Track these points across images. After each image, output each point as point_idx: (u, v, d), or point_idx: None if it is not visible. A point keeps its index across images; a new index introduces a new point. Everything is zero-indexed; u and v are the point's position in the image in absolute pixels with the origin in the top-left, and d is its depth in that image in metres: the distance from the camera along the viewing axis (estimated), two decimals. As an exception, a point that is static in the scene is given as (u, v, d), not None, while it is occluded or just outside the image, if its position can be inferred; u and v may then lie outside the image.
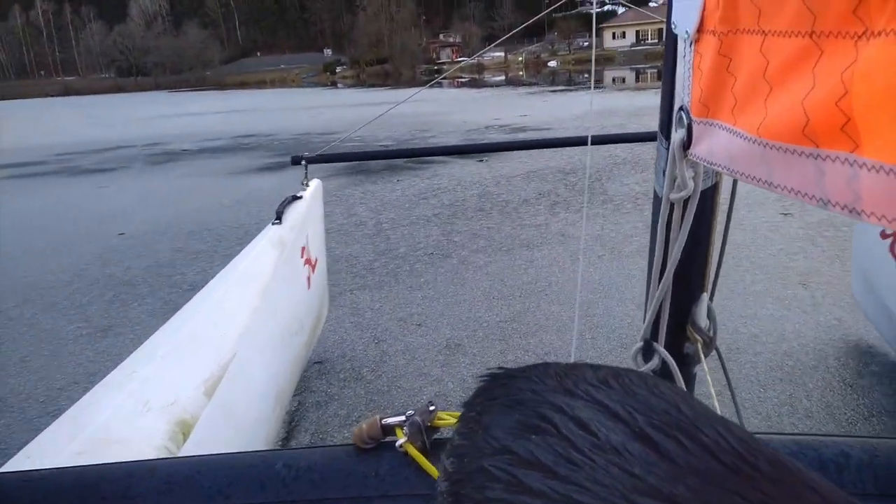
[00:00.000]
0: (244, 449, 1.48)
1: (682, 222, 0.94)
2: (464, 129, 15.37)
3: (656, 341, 1.06)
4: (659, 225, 0.99)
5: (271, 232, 2.92)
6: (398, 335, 4.22)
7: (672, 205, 0.95)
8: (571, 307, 4.44)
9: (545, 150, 11.70)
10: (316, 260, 3.43)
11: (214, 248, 6.66)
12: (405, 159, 11.40)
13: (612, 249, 5.62)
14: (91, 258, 6.62)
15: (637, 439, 0.25)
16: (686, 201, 0.94)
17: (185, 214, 8.36)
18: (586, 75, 42.73)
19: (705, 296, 1.07)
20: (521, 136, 13.55)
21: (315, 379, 3.74)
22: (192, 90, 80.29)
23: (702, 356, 1.08)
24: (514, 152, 11.40)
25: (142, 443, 1.53)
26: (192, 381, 1.84)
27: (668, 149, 0.93)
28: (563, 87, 32.72)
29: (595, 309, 4.39)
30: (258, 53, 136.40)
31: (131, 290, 5.53)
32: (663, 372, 1.07)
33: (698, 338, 1.06)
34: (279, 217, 3.00)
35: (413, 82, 55.74)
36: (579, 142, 3.49)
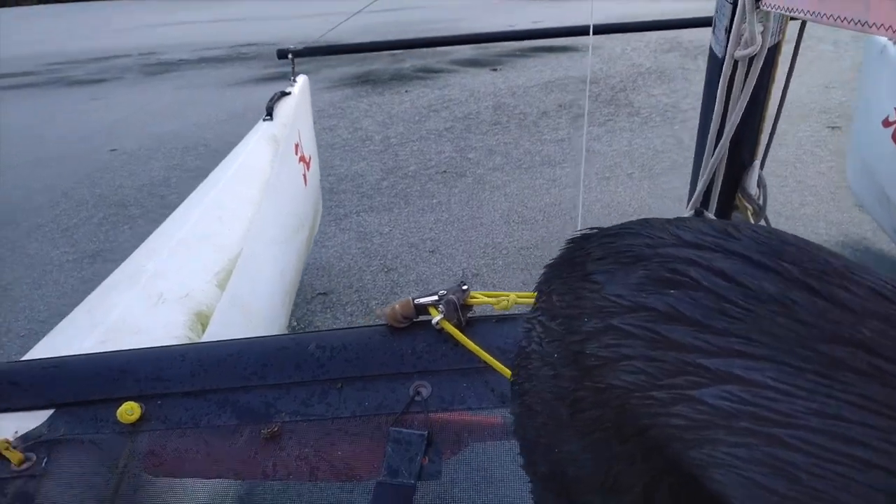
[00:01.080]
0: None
1: (744, 82, 0.87)
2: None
3: (707, 210, 0.99)
4: (720, 85, 0.91)
5: (263, 128, 2.87)
6: (409, 263, 3.84)
7: (735, 63, 0.87)
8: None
9: (560, 54, 10.99)
10: (310, 158, 3.39)
11: (211, 166, 6.18)
12: (412, 69, 10.72)
13: (643, 167, 5.13)
14: (80, 177, 6.19)
15: (797, 287, 0.22)
16: (751, 59, 0.86)
17: (182, 129, 7.85)
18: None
19: (757, 163, 1.02)
20: (521, 27, 12.72)
21: (320, 313, 3.39)
22: (189, -3, 77.05)
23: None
24: (530, 61, 10.68)
25: (162, 332, 1.51)
26: (204, 275, 1.81)
27: (732, 3, 0.86)
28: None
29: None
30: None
31: (122, 212, 5.13)
32: None
33: (748, 206, 1.00)
34: (269, 113, 2.95)
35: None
36: (581, 31, 3.35)
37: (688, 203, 1.14)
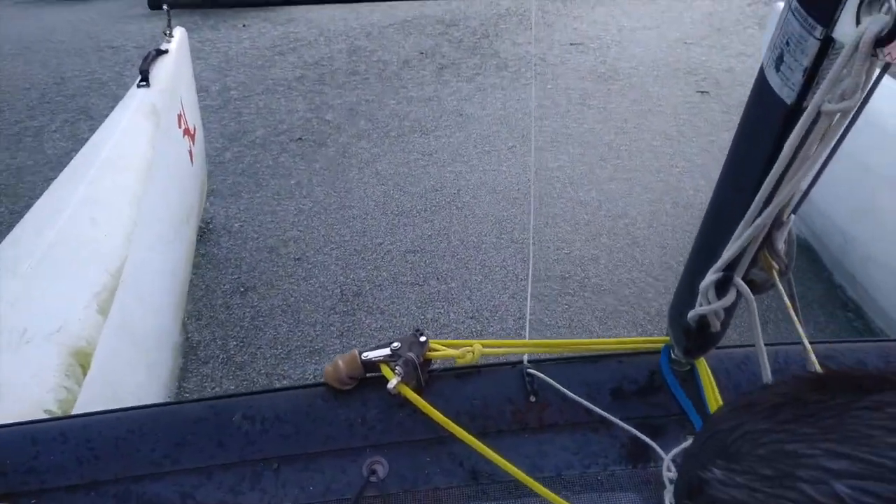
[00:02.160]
0: (152, 373, 1.53)
1: (821, 139, 0.69)
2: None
3: (735, 274, 0.84)
4: (791, 141, 0.69)
5: (139, 96, 2.43)
6: (272, 278, 3.13)
7: (818, 117, 0.67)
8: (493, 225, 3.55)
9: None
10: (194, 128, 2.97)
11: (23, 126, 4.88)
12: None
13: (523, 138, 4.69)
14: None
15: None
16: (840, 115, 0.66)
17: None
18: None
19: (792, 218, 0.86)
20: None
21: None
22: None
23: (778, 283, 0.87)
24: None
25: (30, 383, 1.19)
26: (80, 298, 1.46)
27: (821, 40, 0.65)
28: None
29: (512, 233, 3.52)
30: None
31: None
32: (732, 308, 0.88)
33: (775, 264, 0.86)
34: (145, 78, 2.50)
35: None
36: None
37: (695, 260, 0.99)
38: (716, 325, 0.84)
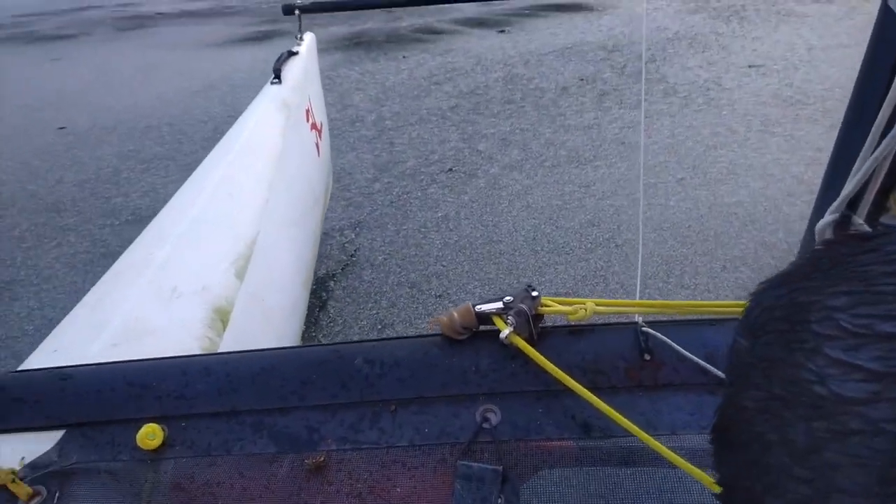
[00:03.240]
0: (280, 339, 1.65)
1: None
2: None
3: (855, 214, 0.78)
4: None
5: (272, 92, 2.61)
6: (410, 317, 2.92)
7: None
8: (658, 267, 3.11)
9: (573, 14, 9.87)
10: (321, 124, 3.13)
11: (173, 153, 5.22)
12: (410, 28, 9.60)
13: (695, 167, 4.18)
14: (15, 164, 5.20)
15: None
16: None
17: (145, 101, 6.80)
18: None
19: None
20: None
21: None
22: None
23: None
24: (540, 22, 9.56)
25: (180, 331, 1.32)
26: (220, 263, 1.59)
27: None
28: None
29: (682, 276, 3.04)
30: None
31: (53, 221, 4.17)
32: None
33: None
34: (277, 76, 2.68)
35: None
36: None
37: (821, 201, 0.91)
38: None
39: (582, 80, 6.39)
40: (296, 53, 3.01)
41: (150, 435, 0.75)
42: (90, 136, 5.79)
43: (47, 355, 1.21)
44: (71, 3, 16.11)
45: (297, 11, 3.05)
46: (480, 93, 6.23)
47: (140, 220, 2.84)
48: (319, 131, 3.07)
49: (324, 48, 8.55)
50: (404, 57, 7.91)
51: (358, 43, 8.88)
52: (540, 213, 3.77)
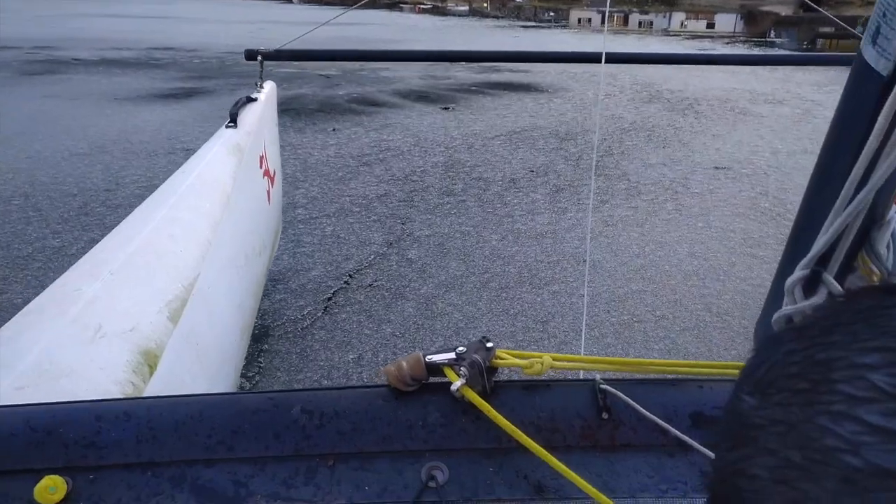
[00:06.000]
0: (213, 387, 1.57)
1: None
2: (425, 64, 12.63)
3: (826, 271, 0.78)
4: (885, 112, 0.67)
5: (226, 135, 2.55)
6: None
7: None
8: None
9: (522, 95, 9.29)
10: (274, 172, 3.08)
11: (33, 238, 4.03)
12: (347, 98, 8.76)
13: (677, 304, 3.32)
14: None
15: None
16: None
17: (11, 160, 5.60)
18: (551, 13, 40.99)
19: (894, 216, 0.81)
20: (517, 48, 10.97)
21: None
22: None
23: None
24: (487, 101, 8.92)
25: (99, 375, 1.25)
26: (154, 304, 1.53)
27: None
28: (532, 24, 29.82)
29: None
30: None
31: None
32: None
33: (874, 270, 0.80)
34: (233, 120, 2.64)
35: (375, 4, 51.34)
36: (593, 58, 3.07)
37: (786, 261, 0.91)
38: None
39: (532, 171, 5.60)
40: (254, 100, 2.96)
41: (49, 488, 0.66)
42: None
43: None
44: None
45: (259, 58, 3.03)
46: (416, 179, 5.34)
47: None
48: (272, 179, 3.00)
49: (244, 113, 7.59)
50: (334, 130, 7.01)
51: (286, 110, 7.94)
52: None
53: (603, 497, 0.65)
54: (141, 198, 4.94)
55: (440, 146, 6.43)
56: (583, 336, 2.13)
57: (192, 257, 1.78)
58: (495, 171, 5.60)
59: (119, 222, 1.93)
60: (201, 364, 1.66)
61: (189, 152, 6.14)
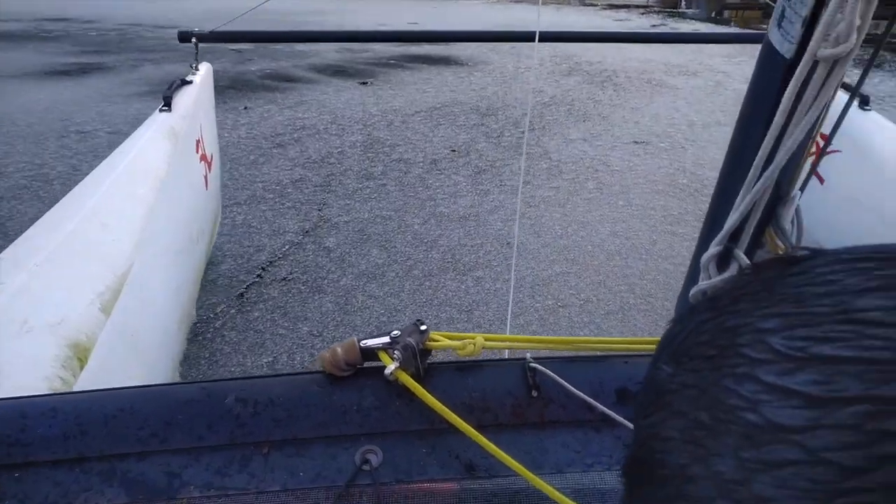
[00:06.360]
0: (148, 380, 1.44)
1: (819, 90, 0.68)
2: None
3: (737, 247, 0.81)
4: (788, 93, 0.70)
5: (160, 120, 2.51)
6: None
7: (812, 67, 0.68)
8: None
9: (442, 68, 9.13)
10: (212, 157, 3.07)
11: None
12: (259, 73, 8.35)
13: (601, 284, 3.29)
14: None
15: None
16: (835, 63, 0.67)
17: None
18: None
19: (797, 193, 0.84)
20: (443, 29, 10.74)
21: None
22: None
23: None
24: (407, 75, 8.71)
25: (25, 371, 1.21)
26: (84, 296, 1.47)
27: None
28: (451, -7, 29.46)
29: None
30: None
31: None
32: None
33: (780, 244, 0.84)
34: (167, 103, 2.59)
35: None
36: (526, 37, 3.07)
37: (704, 237, 0.95)
38: None
39: (454, 151, 5.47)
40: (189, 82, 2.91)
41: None
42: None
43: None
44: None
45: (193, 39, 2.97)
46: (333, 161, 5.12)
47: None
48: (209, 163, 2.96)
49: (154, 90, 7.11)
50: (246, 108, 6.65)
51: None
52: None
53: (530, 474, 0.66)
54: (27, 188, 4.56)
55: (358, 124, 6.21)
56: (508, 317, 2.05)
57: (125, 246, 1.73)
58: (416, 150, 5.44)
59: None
60: (137, 356, 1.61)
61: (84, 135, 5.71)
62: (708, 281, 0.81)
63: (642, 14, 20.50)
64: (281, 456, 0.70)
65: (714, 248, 0.80)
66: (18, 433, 0.69)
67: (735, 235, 0.80)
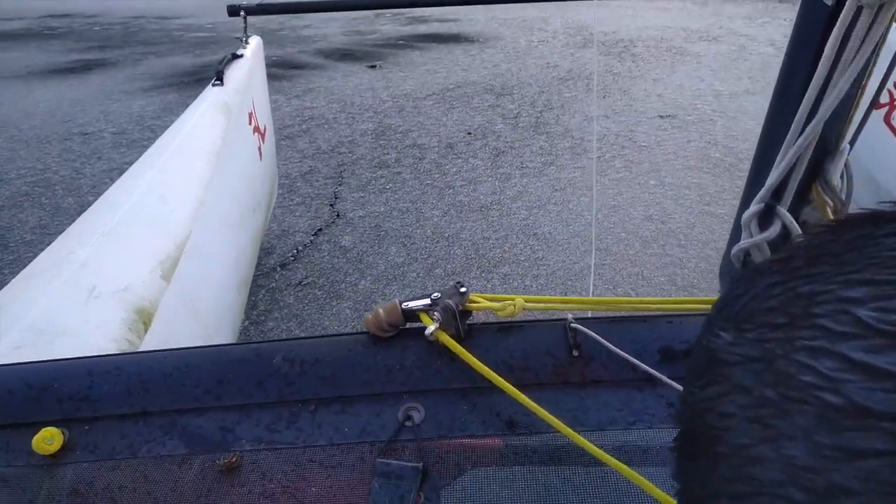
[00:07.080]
0: (210, 342, 1.60)
1: (864, 39, 0.63)
2: (349, 19, 11.90)
3: (780, 204, 0.78)
4: (831, 43, 0.66)
5: (213, 94, 2.53)
6: None
7: (857, 13, 0.62)
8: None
9: (452, 46, 8.81)
10: (265, 128, 3.05)
11: None
12: (267, 63, 8.12)
13: (641, 276, 3.05)
14: None
15: None
16: (881, 7, 0.62)
17: None
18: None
19: (846, 147, 0.79)
20: None
21: None
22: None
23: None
24: (416, 56, 8.41)
25: (95, 333, 1.29)
26: (146, 264, 1.56)
27: None
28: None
29: None
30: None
31: None
32: (779, 243, 0.82)
33: (829, 201, 0.79)
34: (220, 78, 2.61)
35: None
36: None
37: (747, 195, 0.91)
38: None
39: (470, 134, 5.21)
40: (240, 56, 2.93)
41: (47, 439, 0.70)
42: None
43: None
44: None
45: (242, 13, 2.93)
46: (344, 151, 4.89)
47: None
48: (263, 135, 2.98)
49: (158, 86, 6.92)
50: (252, 99, 6.42)
51: (200, 79, 7.27)
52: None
53: (570, 430, 0.66)
54: (28, 195, 4.39)
55: (369, 111, 5.96)
56: (591, 278, 1.85)
57: (183, 217, 1.79)
58: (430, 135, 5.19)
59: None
60: (197, 320, 1.67)
61: (87, 136, 5.52)
62: (749, 240, 0.78)
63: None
64: (327, 413, 0.72)
65: (755, 206, 0.78)
66: (87, 390, 0.73)
67: (778, 193, 0.77)
